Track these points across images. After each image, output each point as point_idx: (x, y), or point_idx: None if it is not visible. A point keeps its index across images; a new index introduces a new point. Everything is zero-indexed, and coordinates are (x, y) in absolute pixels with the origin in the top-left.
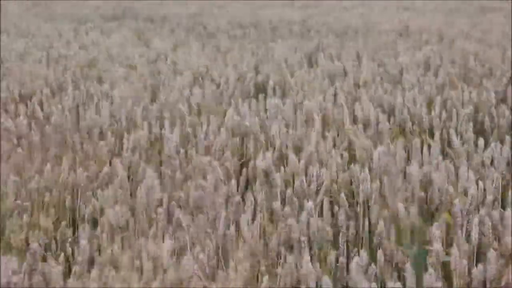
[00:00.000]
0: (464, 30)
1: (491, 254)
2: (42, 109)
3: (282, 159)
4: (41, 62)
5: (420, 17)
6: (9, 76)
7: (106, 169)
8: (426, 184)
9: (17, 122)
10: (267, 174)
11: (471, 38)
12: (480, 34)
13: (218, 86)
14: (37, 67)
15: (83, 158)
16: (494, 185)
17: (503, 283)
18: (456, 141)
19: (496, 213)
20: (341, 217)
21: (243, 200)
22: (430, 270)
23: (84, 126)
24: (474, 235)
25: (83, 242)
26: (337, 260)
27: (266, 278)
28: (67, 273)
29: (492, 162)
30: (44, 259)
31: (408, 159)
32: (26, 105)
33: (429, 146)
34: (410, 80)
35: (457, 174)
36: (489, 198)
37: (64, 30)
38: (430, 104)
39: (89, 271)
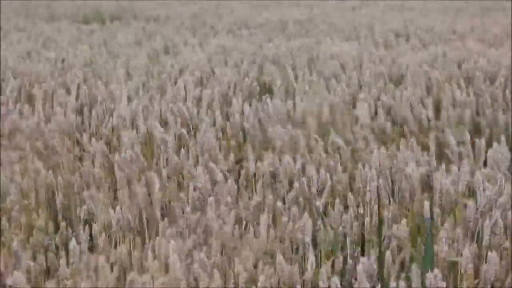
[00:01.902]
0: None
1: (492, 255)
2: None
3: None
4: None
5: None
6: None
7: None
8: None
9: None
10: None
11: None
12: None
13: (221, 85)
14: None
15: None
16: (504, 185)
17: (506, 284)
18: (453, 141)
19: (508, 214)
20: (348, 217)
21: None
22: (436, 270)
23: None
24: (485, 236)
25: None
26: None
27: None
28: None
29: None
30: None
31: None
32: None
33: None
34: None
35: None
36: (502, 199)
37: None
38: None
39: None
